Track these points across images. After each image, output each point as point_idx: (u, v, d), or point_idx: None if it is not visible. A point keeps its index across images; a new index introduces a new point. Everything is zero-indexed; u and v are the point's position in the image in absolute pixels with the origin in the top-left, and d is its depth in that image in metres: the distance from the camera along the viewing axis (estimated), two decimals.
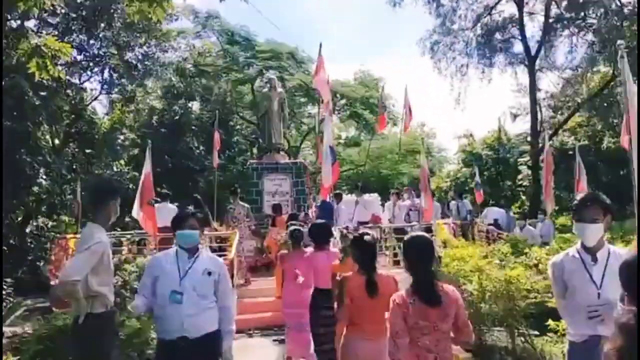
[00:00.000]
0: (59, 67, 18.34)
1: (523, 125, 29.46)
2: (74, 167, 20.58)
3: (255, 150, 29.91)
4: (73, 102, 19.69)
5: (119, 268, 6.63)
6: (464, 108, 34.78)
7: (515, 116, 26.83)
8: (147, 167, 8.51)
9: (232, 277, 9.17)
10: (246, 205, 11.80)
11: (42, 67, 11.23)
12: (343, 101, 30.38)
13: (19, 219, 18.10)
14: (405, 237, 3.61)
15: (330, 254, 5.69)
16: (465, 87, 27.10)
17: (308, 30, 60.23)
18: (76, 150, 20.58)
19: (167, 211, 10.82)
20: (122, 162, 21.33)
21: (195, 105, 28.32)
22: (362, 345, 4.00)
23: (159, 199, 8.20)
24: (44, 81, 16.12)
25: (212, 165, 21.65)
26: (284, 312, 6.67)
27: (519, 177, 28.14)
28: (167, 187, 25.37)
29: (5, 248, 17.06)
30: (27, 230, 18.78)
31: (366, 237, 4.24)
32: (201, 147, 25.46)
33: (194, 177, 25.11)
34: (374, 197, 14.33)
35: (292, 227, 6.86)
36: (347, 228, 10.94)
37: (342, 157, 31.06)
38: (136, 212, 8.26)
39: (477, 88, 67.02)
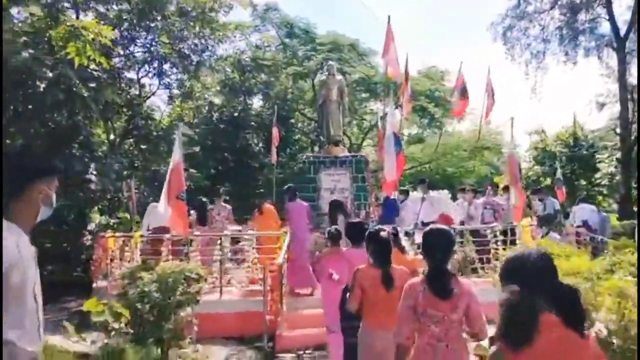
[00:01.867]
0: (114, 61, 18.01)
1: (601, 120, 27.10)
2: (132, 163, 20.19)
3: (316, 149, 28.86)
4: (128, 96, 19.16)
5: (133, 276, 5.51)
6: (541, 98, 31.96)
7: (602, 105, 24.30)
8: (176, 156, 7.37)
9: (281, 284, 7.94)
10: (228, 206, 10.97)
11: (82, 53, 10.41)
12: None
13: (71, 216, 17.61)
14: (425, 229, 3.67)
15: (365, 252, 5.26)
16: (541, 75, 24.79)
17: (366, 22, 58.48)
18: (132, 147, 20.06)
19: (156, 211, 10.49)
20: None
21: (255, 102, 27.59)
22: (379, 336, 4.16)
23: (183, 195, 7.01)
24: (93, 72, 15.74)
25: (271, 163, 20.82)
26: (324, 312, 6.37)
27: (597, 175, 26.22)
28: (227, 185, 25.18)
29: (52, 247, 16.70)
30: (89, 228, 18.30)
31: (382, 233, 4.47)
32: (260, 144, 24.61)
33: (253, 175, 24.27)
34: (442, 194, 12.75)
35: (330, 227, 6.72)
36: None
37: (405, 155, 29.39)
38: (163, 206, 7.13)
39: (553, 78, 62.74)
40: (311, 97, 27.49)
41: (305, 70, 24.52)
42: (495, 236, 10.68)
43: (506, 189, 13.06)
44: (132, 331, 5.57)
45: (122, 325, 5.87)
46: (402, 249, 5.81)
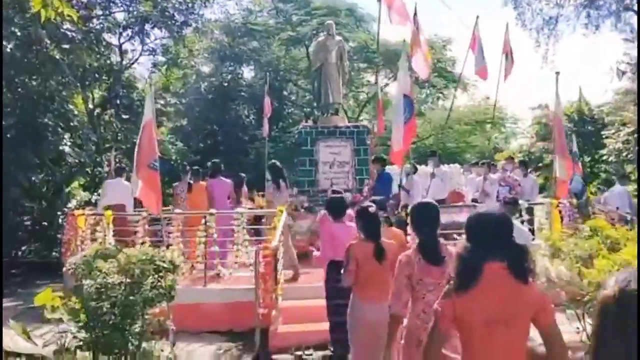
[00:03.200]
0: (93, 23, 16.49)
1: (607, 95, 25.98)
2: (113, 135, 18.83)
3: (311, 122, 27.52)
4: (108, 62, 17.69)
5: (89, 266, 4.24)
6: (553, 68, 30.22)
7: (623, 73, 22.98)
8: (147, 114, 6.02)
9: (275, 271, 6.74)
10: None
11: (48, 3, 8.98)
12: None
13: (49, 193, 16.25)
14: (412, 206, 4.13)
15: (347, 228, 5.50)
16: (553, 43, 23.33)
17: None
18: (112, 117, 18.65)
19: (120, 188, 9.67)
20: (162, 129, 19.16)
21: (245, 73, 26.12)
22: (370, 308, 4.30)
23: (156, 163, 5.68)
24: (67, 33, 14.27)
25: (263, 136, 19.49)
26: None
27: (603, 152, 25.27)
28: (217, 158, 23.77)
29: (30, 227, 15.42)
30: (69, 205, 16.94)
31: (370, 209, 4.61)
32: (252, 116, 23.19)
33: (244, 148, 22.93)
34: (454, 168, 11.62)
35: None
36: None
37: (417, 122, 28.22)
38: (134, 179, 5.84)
39: (566, 47, 60.86)
40: (305, 66, 26.04)
41: (299, 35, 22.95)
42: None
43: (510, 160, 11.93)
44: (86, 336, 4.35)
45: (81, 325, 4.67)
46: (390, 223, 5.93)
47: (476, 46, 9.13)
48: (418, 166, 11.85)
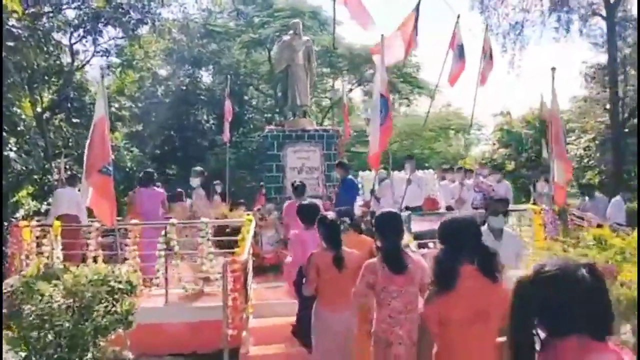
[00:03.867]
0: (42, 21, 15.41)
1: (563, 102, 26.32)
2: (64, 141, 17.69)
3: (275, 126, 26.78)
4: (58, 62, 16.61)
5: (29, 289, 3.50)
6: (519, 73, 30.18)
7: (592, 78, 23.11)
8: (99, 112, 5.23)
9: (245, 287, 6.09)
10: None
11: None
12: (371, 70, 26.85)
13: None
14: (377, 214, 4.13)
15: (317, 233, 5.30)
16: (519, 48, 23.32)
17: None
18: (62, 122, 17.53)
19: (72, 197, 8.99)
20: (117, 135, 18.14)
21: (205, 76, 25.23)
22: (331, 317, 4.35)
23: (109, 167, 4.92)
24: (12, 30, 13.20)
25: (224, 141, 18.71)
26: None
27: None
28: (174, 165, 22.91)
29: None
30: (16, 215, 15.75)
31: (329, 215, 4.71)
32: (211, 121, 22.34)
33: (203, 155, 22.06)
34: (429, 175, 11.15)
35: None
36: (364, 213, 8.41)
37: (368, 137, 27.85)
38: (83, 186, 5.06)
39: (533, 52, 61.18)
40: (266, 70, 25.40)
41: (261, 38, 22.28)
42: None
43: (483, 166, 11.60)
44: None
45: (22, 358, 3.90)
46: (360, 231, 5.80)
47: (455, 45, 8.68)
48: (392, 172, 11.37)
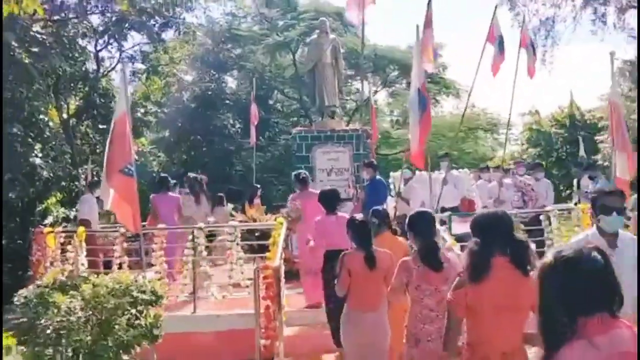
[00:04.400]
0: (67, 29, 15.33)
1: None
2: (91, 147, 17.64)
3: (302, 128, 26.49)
4: (84, 69, 16.57)
5: (44, 301, 3.16)
6: (551, 70, 28.66)
7: (629, 72, 22.18)
8: (121, 107, 4.89)
9: (279, 294, 5.72)
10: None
11: None
12: (395, 72, 26.38)
13: (22, 209, 15.05)
14: (410, 214, 4.01)
15: (340, 218, 5.76)
16: (551, 44, 22.48)
17: None
18: (90, 128, 17.49)
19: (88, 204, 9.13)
20: (143, 140, 18.01)
21: (229, 81, 25.04)
22: (362, 316, 4.35)
23: (131, 168, 4.55)
24: (37, 35, 13.15)
25: (250, 145, 18.44)
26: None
27: (597, 157, 24.66)
28: (203, 169, 22.70)
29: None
30: (45, 222, 15.73)
31: (358, 216, 4.81)
32: (237, 125, 22.09)
33: (229, 159, 21.84)
34: (464, 174, 10.64)
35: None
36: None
37: (394, 139, 27.36)
38: (104, 188, 4.71)
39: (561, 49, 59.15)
40: (292, 74, 25.13)
41: (286, 40, 21.99)
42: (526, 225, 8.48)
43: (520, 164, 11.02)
44: None
45: None
46: (394, 232, 5.62)
47: (494, 37, 8.21)
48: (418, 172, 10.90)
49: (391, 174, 12.49)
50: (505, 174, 9.96)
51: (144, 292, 3.55)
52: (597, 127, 25.13)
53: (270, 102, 24.98)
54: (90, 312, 3.35)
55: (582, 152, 14.95)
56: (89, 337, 3.26)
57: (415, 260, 3.69)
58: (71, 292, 3.40)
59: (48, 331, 3.20)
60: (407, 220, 3.95)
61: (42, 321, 3.28)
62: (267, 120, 23.23)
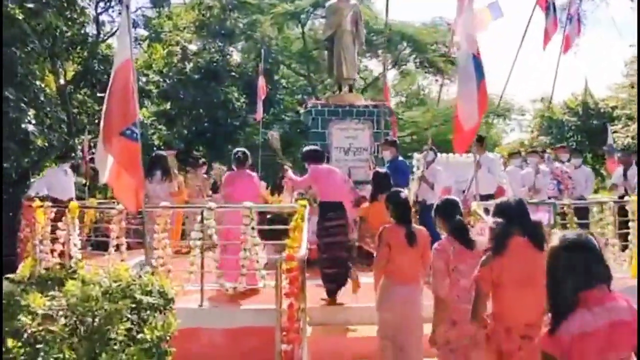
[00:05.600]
0: None
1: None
2: (89, 116, 16.66)
3: (301, 110, 25.50)
4: (83, 32, 15.52)
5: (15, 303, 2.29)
6: (577, 51, 26.83)
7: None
8: (123, 53, 3.90)
9: (303, 289, 4.89)
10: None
11: None
12: (407, 50, 25.30)
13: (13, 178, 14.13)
14: (438, 203, 4.29)
15: (331, 169, 6.84)
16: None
17: None
18: (87, 96, 16.48)
19: (62, 178, 9.11)
20: (145, 111, 17.04)
21: (235, 52, 23.92)
22: (399, 290, 4.46)
23: (135, 130, 3.57)
24: None
25: (255, 121, 17.52)
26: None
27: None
28: (204, 146, 21.77)
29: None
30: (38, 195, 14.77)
31: (401, 194, 4.84)
32: (242, 99, 21.04)
33: (233, 136, 20.87)
34: (496, 157, 9.76)
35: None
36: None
37: (404, 120, 26.39)
38: (99, 155, 3.74)
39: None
40: (300, 48, 24.04)
41: (296, 10, 20.84)
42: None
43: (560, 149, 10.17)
44: None
45: None
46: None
47: (545, 4, 7.26)
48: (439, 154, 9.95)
49: (415, 155, 11.57)
50: (541, 160, 9.07)
51: (149, 293, 2.68)
52: (612, 117, 24.56)
53: (276, 77, 23.90)
54: (77, 320, 2.47)
55: (610, 140, 14.08)
56: (73, 354, 2.38)
57: (450, 242, 3.88)
58: (52, 292, 2.53)
59: (18, 344, 2.33)
60: (435, 207, 4.19)
61: (10, 330, 2.40)
62: (273, 96, 22.20)
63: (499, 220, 3.26)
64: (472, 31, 5.68)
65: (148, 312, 2.67)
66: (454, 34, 7.13)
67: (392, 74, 28.87)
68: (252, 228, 5.83)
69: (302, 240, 5.04)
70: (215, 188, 10.58)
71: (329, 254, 6.17)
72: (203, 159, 12.28)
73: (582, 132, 23.95)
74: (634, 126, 22.57)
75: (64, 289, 2.52)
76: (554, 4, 7.53)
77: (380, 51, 24.65)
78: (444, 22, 23.88)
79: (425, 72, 24.17)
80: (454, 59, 23.41)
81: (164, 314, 2.74)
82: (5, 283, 2.85)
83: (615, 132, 23.68)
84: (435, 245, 3.95)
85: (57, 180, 9.14)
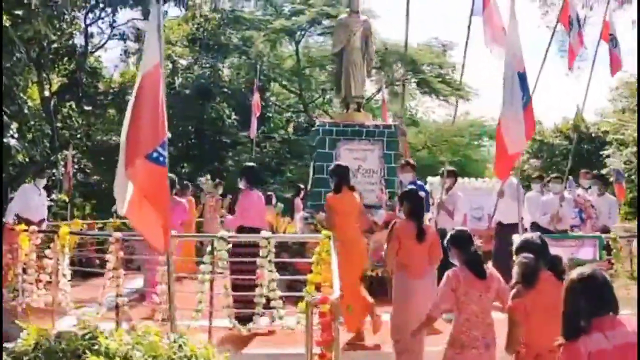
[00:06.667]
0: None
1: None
2: (73, 130, 15.91)
3: (290, 130, 24.91)
4: (70, 42, 14.83)
5: None
6: (578, 75, 26.30)
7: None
8: (153, 56, 3.21)
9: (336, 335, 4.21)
10: None
11: None
12: (402, 70, 24.91)
13: None
14: (451, 233, 4.28)
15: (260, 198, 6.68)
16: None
17: None
18: (72, 109, 15.73)
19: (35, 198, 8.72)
20: None
21: (226, 70, 23.32)
22: (411, 283, 4.78)
23: (163, 152, 2.88)
24: None
25: (246, 140, 16.94)
26: None
27: (603, 172, 23.79)
28: (190, 163, 21.01)
29: None
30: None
31: (418, 192, 5.34)
32: (233, 116, 20.39)
33: (222, 153, 20.16)
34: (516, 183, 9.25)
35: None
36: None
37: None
38: (118, 181, 3.00)
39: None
40: (292, 66, 23.50)
41: (293, 26, 20.34)
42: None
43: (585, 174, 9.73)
44: None
45: None
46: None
47: (567, 19, 6.77)
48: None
49: (429, 179, 11.03)
50: (567, 186, 8.57)
51: None
52: (603, 141, 24.54)
53: (267, 94, 23.34)
54: None
55: (616, 166, 13.79)
56: None
57: (462, 270, 3.98)
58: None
59: None
60: (449, 237, 4.19)
61: None
62: (263, 114, 21.63)
63: (529, 255, 3.47)
64: (518, 51, 5.16)
65: None
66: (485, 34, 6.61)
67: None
68: (270, 261, 5.15)
69: (335, 279, 4.38)
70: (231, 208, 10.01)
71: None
72: (219, 179, 12.00)
73: (573, 156, 24.06)
74: (626, 151, 22.50)
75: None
76: (578, 18, 7.02)
77: (374, 70, 24.28)
78: (439, 44, 23.61)
79: (422, 92, 23.78)
80: (449, 80, 23.21)
81: None
82: (4, 357, 2.11)
83: (607, 156, 23.68)
84: (448, 272, 4.04)
85: (31, 200, 8.61)
